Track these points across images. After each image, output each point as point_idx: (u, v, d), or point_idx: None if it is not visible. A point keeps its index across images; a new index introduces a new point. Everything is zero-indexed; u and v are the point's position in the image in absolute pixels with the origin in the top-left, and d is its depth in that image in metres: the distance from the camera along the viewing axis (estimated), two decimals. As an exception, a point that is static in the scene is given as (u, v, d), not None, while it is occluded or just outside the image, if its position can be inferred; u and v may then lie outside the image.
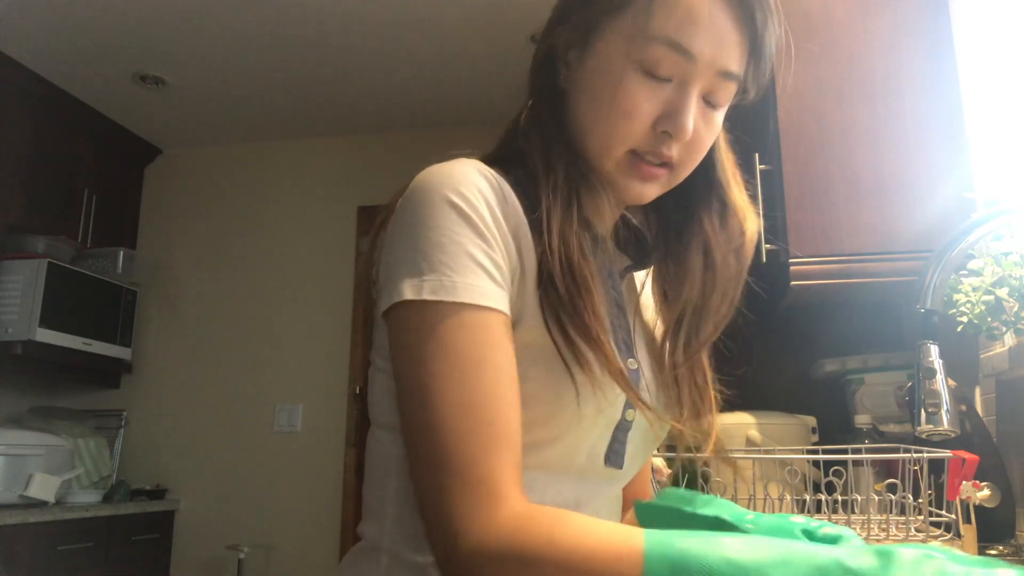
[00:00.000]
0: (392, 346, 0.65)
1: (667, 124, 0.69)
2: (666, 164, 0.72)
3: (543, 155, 0.73)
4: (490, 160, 0.74)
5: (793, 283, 1.54)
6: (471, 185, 0.66)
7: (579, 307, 0.66)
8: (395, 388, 0.65)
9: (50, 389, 3.69)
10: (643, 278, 0.84)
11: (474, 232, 0.64)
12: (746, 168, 0.83)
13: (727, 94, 0.72)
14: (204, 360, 3.81)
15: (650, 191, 0.74)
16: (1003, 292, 1.19)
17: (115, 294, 3.60)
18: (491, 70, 3.29)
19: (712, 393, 0.80)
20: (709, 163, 0.78)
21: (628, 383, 0.68)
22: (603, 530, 0.57)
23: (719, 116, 0.74)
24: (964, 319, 1.23)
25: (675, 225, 0.81)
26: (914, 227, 1.50)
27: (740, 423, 1.61)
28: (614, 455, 0.73)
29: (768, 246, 1.60)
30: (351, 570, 0.71)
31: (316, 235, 3.85)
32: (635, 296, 0.82)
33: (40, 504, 2.93)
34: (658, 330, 0.80)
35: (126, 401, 3.81)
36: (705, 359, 0.80)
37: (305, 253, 3.84)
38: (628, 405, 0.73)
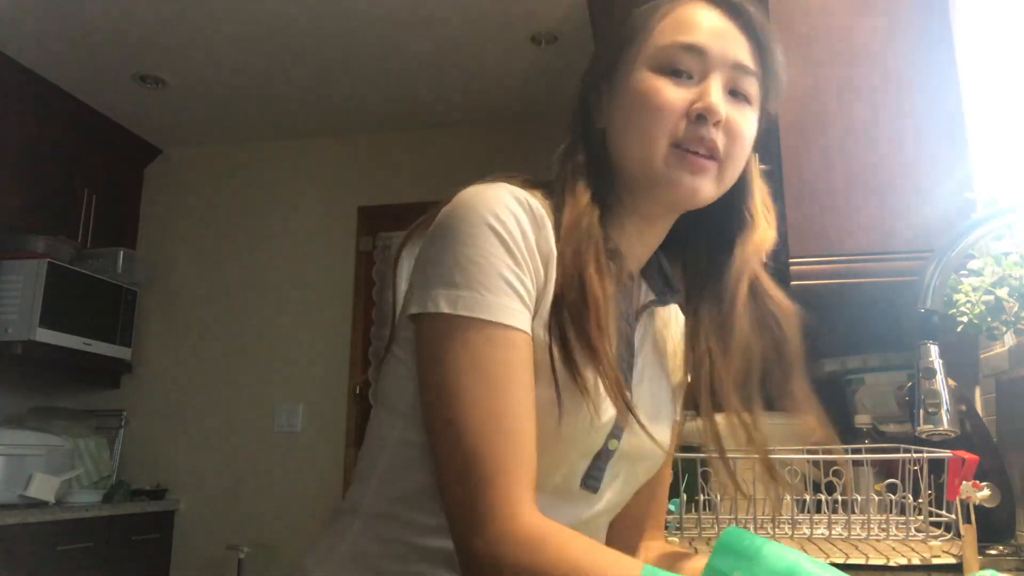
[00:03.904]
0: (421, 350, 0.69)
1: (698, 106, 0.73)
2: (712, 156, 0.74)
3: (571, 181, 0.77)
4: (536, 184, 0.77)
5: (793, 283, 1.54)
6: (508, 211, 0.70)
7: (585, 316, 0.69)
8: (412, 376, 0.71)
9: (50, 389, 3.69)
10: (664, 325, 0.87)
11: (508, 255, 0.68)
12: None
13: (751, 88, 0.77)
14: (204, 360, 3.81)
15: (702, 185, 0.75)
16: (1003, 292, 1.19)
17: (115, 294, 3.60)
18: (491, 70, 3.29)
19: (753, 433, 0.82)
20: (742, 196, 0.82)
21: (622, 393, 0.71)
22: (610, 558, 0.61)
23: (750, 113, 0.77)
24: (964, 319, 1.23)
25: (714, 267, 0.83)
26: (914, 227, 1.50)
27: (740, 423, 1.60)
28: (591, 480, 0.76)
29: (768, 246, 1.60)
30: (328, 528, 0.77)
31: (316, 235, 3.85)
32: (650, 339, 0.84)
33: (40, 504, 2.93)
34: (673, 377, 0.86)
35: (126, 401, 3.81)
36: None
37: (305, 253, 3.84)
38: (612, 435, 0.75)
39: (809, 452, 1.27)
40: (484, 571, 0.62)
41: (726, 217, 0.82)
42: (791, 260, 1.54)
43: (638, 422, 0.73)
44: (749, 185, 0.83)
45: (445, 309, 0.66)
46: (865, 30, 1.60)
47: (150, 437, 3.76)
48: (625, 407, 0.71)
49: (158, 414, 3.78)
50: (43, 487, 2.97)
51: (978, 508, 1.05)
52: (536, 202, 0.72)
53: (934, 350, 0.93)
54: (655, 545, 0.92)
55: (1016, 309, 1.18)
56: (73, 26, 2.99)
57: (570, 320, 0.69)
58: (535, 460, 0.66)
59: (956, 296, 1.23)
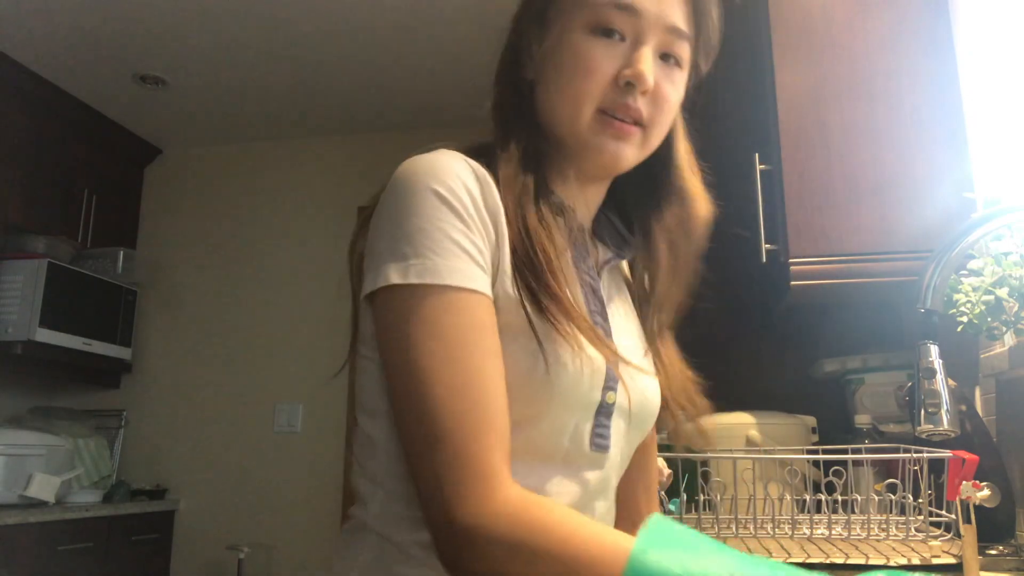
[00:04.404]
0: (380, 329, 0.67)
1: (627, 73, 0.72)
2: (637, 122, 0.74)
3: (504, 137, 0.77)
4: (471, 151, 0.76)
5: (793, 283, 1.54)
6: (452, 173, 0.68)
7: (538, 266, 0.68)
8: (382, 372, 0.67)
9: (50, 389, 3.69)
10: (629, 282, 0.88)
11: (456, 218, 0.66)
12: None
13: (683, 52, 0.76)
14: (204, 360, 3.81)
15: (626, 152, 0.75)
16: (1003, 292, 1.19)
17: (115, 294, 3.60)
18: (491, 70, 3.29)
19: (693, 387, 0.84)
20: (667, 153, 0.82)
21: (596, 334, 0.70)
22: (593, 528, 0.59)
23: (679, 77, 0.77)
24: (964, 319, 1.23)
25: (642, 219, 0.84)
26: (914, 227, 1.50)
27: (740, 423, 1.61)
28: (598, 438, 0.73)
29: (768, 246, 1.60)
30: (345, 551, 0.74)
31: (316, 235, 3.85)
32: (619, 295, 0.85)
33: (40, 504, 2.93)
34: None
35: (126, 401, 3.81)
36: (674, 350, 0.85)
37: (305, 253, 3.84)
38: (607, 387, 0.73)
39: (809, 452, 1.27)
40: (464, 551, 0.59)
41: (647, 180, 0.83)
42: (791, 260, 1.54)
43: (623, 360, 0.72)
44: (672, 150, 0.83)
45: (396, 280, 0.64)
46: (865, 30, 1.60)
47: (150, 437, 3.76)
48: (606, 348, 0.70)
49: (158, 414, 3.78)
50: (43, 487, 2.97)
51: (978, 508, 1.05)
52: (478, 164, 0.71)
53: (934, 350, 0.93)
54: None
55: (1016, 309, 1.18)
56: (73, 26, 2.98)
57: (528, 272, 0.68)
58: (508, 428, 0.63)
59: (956, 296, 1.24)
